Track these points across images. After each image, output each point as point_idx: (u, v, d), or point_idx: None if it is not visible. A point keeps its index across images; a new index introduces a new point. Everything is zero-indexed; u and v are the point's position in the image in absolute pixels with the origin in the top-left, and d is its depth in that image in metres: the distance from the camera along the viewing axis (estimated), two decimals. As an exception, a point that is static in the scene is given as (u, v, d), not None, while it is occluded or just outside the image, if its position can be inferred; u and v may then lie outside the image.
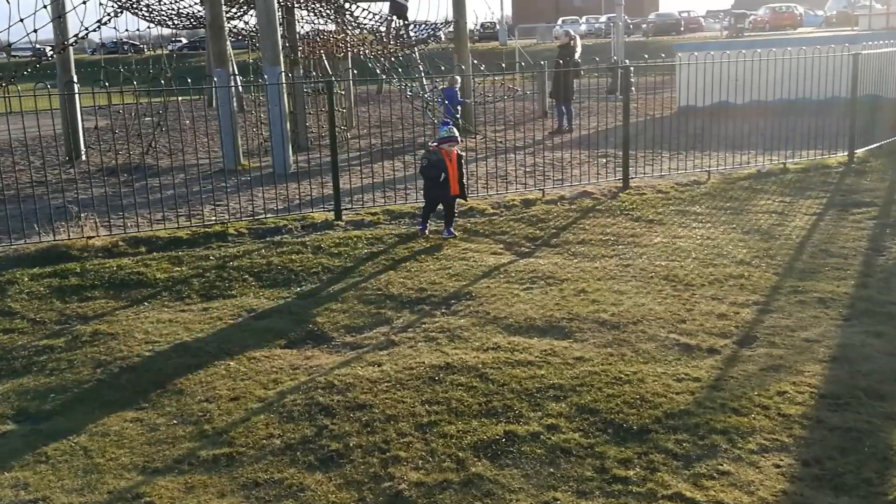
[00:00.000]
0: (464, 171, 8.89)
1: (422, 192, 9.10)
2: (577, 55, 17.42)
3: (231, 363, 5.60)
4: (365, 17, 17.98)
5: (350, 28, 18.37)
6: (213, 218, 9.59)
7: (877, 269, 7.04)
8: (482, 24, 65.95)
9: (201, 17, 16.41)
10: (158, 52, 29.06)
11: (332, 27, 19.12)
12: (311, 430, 4.58)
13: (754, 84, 12.23)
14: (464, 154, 9.34)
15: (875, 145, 12.37)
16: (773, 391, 4.76)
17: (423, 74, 18.52)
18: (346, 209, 9.73)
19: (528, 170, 11.92)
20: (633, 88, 23.25)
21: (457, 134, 8.66)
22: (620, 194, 10.30)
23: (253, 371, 5.46)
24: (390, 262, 7.83)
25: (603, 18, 65.44)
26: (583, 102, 17.59)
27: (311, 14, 17.99)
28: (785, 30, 48.45)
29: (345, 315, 6.46)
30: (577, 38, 17.51)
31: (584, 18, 69.33)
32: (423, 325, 6.17)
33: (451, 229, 8.64)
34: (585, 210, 9.62)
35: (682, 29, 57.24)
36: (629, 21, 62.93)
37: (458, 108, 15.95)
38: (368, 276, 7.41)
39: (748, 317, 6.05)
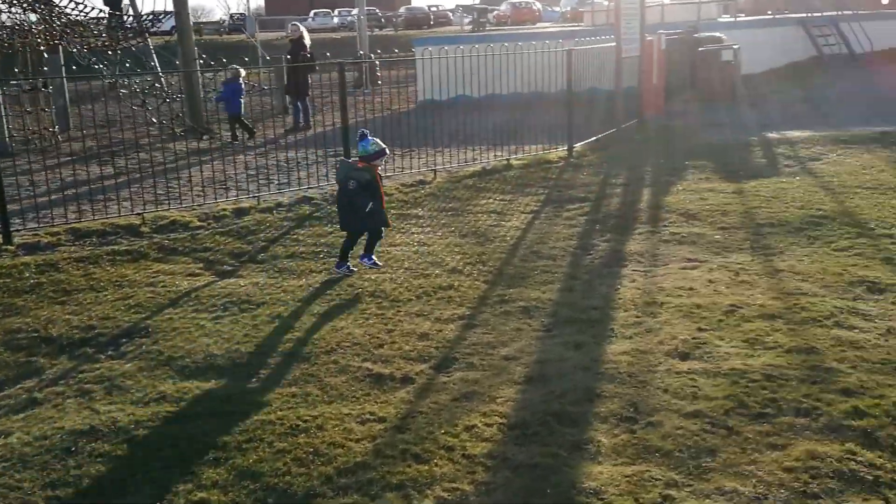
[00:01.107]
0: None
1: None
2: (308, 49, 16.69)
3: None
4: (69, 7, 16.06)
5: (55, 19, 16.36)
6: None
7: (583, 271, 6.95)
8: (231, 16, 63.36)
9: None
10: None
11: (33, 17, 16.95)
12: None
13: (489, 78, 12.13)
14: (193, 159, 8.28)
15: (592, 139, 12.74)
16: (461, 426, 4.32)
17: (156, 69, 16.94)
18: (21, 230, 8.33)
19: (251, 173, 11.00)
20: (379, 82, 23.20)
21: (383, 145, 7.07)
22: (342, 198, 9.71)
23: None
24: (60, 293, 6.66)
25: (355, 11, 65.41)
26: (326, 98, 16.91)
27: (5, 4, 15.80)
28: (525, 24, 50.76)
29: (-19, 369, 5.29)
30: (305, 31, 16.77)
31: (336, 11, 68.72)
32: (80, 375, 5.17)
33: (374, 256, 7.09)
34: (302, 218, 8.92)
35: (432, 23, 58.44)
36: (380, 14, 63.35)
37: (241, 102, 14.75)
38: (27, 314, 6.21)
39: (451, 334, 5.63)
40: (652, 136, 13.40)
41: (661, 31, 16.55)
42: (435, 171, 10.94)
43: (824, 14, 22.70)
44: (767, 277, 6.45)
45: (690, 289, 6.27)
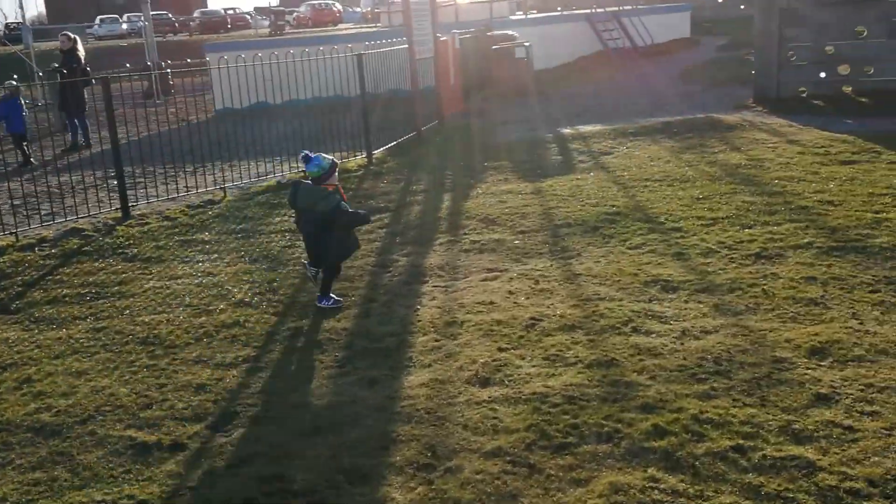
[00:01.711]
0: None
1: None
2: (82, 61, 15.29)
3: None
4: None
5: None
6: None
7: (381, 291, 6.53)
8: (6, 25, 58.22)
9: None
10: None
11: None
12: None
13: (287, 84, 11.45)
14: None
15: (393, 143, 12.41)
16: (236, 502, 3.75)
17: None
18: None
19: (16, 203, 9.74)
20: (172, 91, 21.77)
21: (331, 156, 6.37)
22: (118, 227, 8.77)
23: None
24: None
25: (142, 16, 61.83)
26: (117, 110, 15.52)
27: None
28: (327, 26, 50.04)
29: None
30: (79, 40, 15.36)
31: (125, 17, 64.82)
32: None
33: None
34: (69, 254, 7.93)
35: (230, 27, 56.38)
36: (174, 19, 60.38)
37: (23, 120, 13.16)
38: None
39: (233, 382, 5.03)
40: (453, 137, 13.27)
41: (455, 31, 16.52)
42: (224, 188, 10.17)
43: (607, 10, 23.75)
44: (566, 284, 6.31)
45: (491, 303, 6.01)
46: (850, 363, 4.67)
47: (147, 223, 8.91)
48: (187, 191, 10.12)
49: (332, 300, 6.20)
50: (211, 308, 6.31)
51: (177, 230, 8.64)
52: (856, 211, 7.50)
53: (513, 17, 22.98)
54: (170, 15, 60.80)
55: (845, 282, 5.89)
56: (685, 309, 5.64)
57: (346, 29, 45.14)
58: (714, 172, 9.47)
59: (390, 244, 7.85)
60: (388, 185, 10.39)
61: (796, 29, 14.49)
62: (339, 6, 57.20)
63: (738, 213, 7.74)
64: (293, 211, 6.52)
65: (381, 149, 12.07)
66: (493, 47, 17.45)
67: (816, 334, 5.04)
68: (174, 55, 31.70)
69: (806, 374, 4.57)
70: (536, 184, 9.67)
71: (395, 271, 7.02)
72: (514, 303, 6.00)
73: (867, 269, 6.13)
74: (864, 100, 13.94)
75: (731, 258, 6.58)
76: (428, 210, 8.98)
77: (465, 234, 7.92)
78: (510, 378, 4.77)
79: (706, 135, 11.82)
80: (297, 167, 11.09)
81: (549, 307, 5.85)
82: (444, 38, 15.21)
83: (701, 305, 5.68)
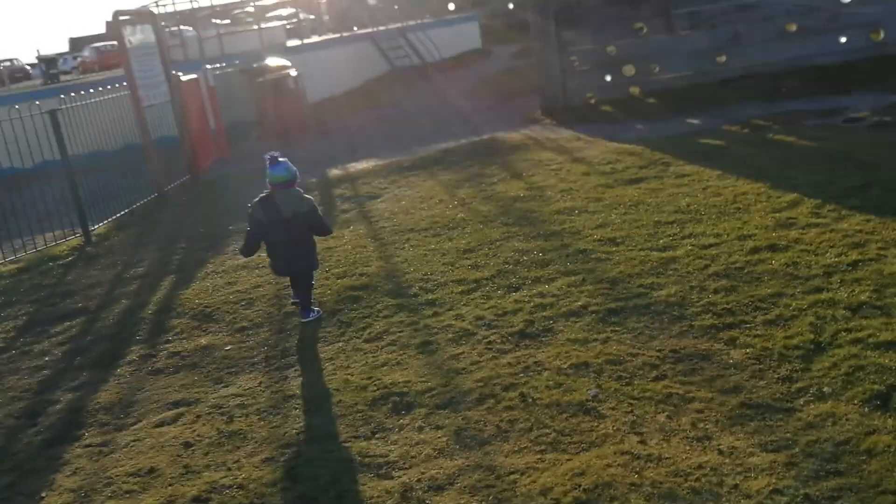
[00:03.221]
0: None
1: None
2: None
3: None
4: None
5: None
6: None
7: (7, 466, 4.54)
8: None
9: None
10: None
11: None
12: None
13: None
14: None
15: (123, 212, 10.28)
16: None
17: None
18: None
19: None
20: None
21: None
22: None
23: None
24: None
25: None
26: None
27: None
28: (117, 69, 46.32)
29: None
30: None
31: None
32: None
33: None
34: None
35: (7, 80, 51.23)
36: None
37: None
38: None
39: None
40: (203, 195, 11.30)
41: (208, 66, 14.54)
42: None
43: (390, 27, 22.36)
44: (268, 417, 4.57)
45: (151, 471, 4.17)
46: (627, 527, 3.18)
47: None
48: None
49: (315, 311, 5.91)
50: None
51: None
52: (640, 250, 6.21)
53: (289, 44, 21.17)
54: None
55: (624, 367, 4.47)
56: (416, 443, 4.03)
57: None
58: (488, 212, 8.04)
59: (64, 370, 5.84)
60: (100, 271, 8.29)
61: (574, 31, 13.54)
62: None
63: (505, 269, 6.28)
64: (258, 230, 5.80)
65: (107, 221, 9.93)
66: (258, 80, 15.57)
67: (582, 473, 3.54)
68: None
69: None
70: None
71: (44, 422, 5.03)
72: (185, 466, 4.18)
73: (650, 339, 4.76)
74: (652, 100, 13.13)
75: (489, 343, 5.06)
76: (134, 307, 7.00)
77: (168, 341, 6.04)
78: None
79: (487, 161, 10.48)
80: (-11, 261, 8.82)
81: (231, 468, 4.08)
82: (192, 77, 13.22)
83: (438, 434, 4.09)
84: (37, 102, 9.43)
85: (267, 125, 15.49)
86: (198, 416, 4.74)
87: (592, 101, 13.59)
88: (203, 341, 5.90)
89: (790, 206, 6.69)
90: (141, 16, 11.39)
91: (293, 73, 15.57)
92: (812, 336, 4.45)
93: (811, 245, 5.77)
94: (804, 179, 7.38)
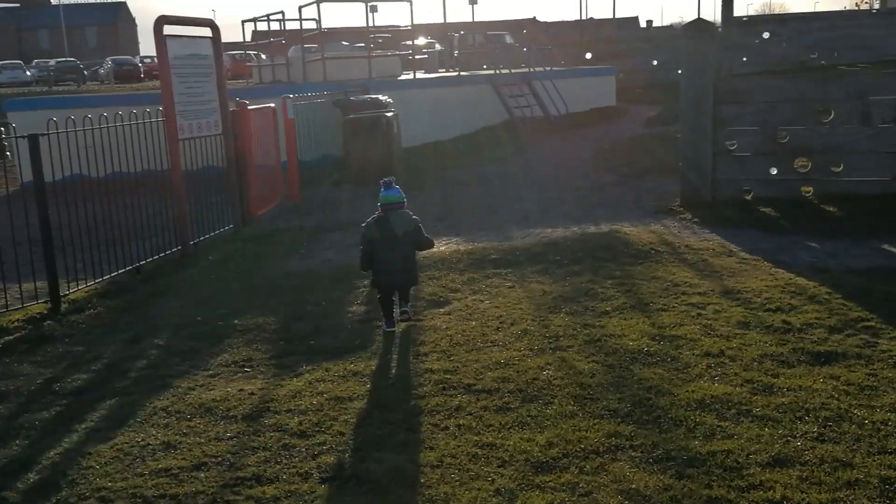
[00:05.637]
0: None
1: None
2: None
3: None
4: None
5: None
6: None
7: None
8: None
9: None
10: None
11: None
12: None
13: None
14: None
15: (124, 270, 7.99)
16: None
17: None
18: None
19: None
20: (7, 154, 17.15)
21: None
22: None
23: None
24: None
25: (53, 62, 56.80)
26: None
27: None
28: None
29: None
30: None
31: (34, 63, 60.13)
32: None
33: None
34: None
35: (143, 77, 51.71)
36: (82, 66, 55.57)
37: None
38: None
39: None
40: (231, 258, 8.88)
41: (289, 95, 12.32)
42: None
43: (514, 71, 19.76)
44: None
45: None
46: None
47: None
48: None
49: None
50: None
51: None
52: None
53: (401, 77, 18.95)
54: (78, 62, 56.20)
55: None
56: None
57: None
58: (589, 377, 5.23)
59: None
60: (25, 377, 5.89)
61: (738, 106, 10.59)
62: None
63: (601, 542, 3.47)
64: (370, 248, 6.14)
65: (96, 281, 7.65)
66: (348, 117, 13.27)
67: None
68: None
69: None
70: (272, 385, 5.34)
71: None
72: None
73: None
74: (831, 208, 10.00)
75: None
76: (23, 460, 4.54)
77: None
78: None
79: (601, 269, 7.67)
80: None
81: None
82: (265, 106, 11.02)
83: None
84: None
85: (349, 169, 13.17)
86: None
87: (748, 198, 10.57)
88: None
89: None
90: (195, 24, 9.22)
91: (389, 113, 13.19)
92: None
93: None
94: None
